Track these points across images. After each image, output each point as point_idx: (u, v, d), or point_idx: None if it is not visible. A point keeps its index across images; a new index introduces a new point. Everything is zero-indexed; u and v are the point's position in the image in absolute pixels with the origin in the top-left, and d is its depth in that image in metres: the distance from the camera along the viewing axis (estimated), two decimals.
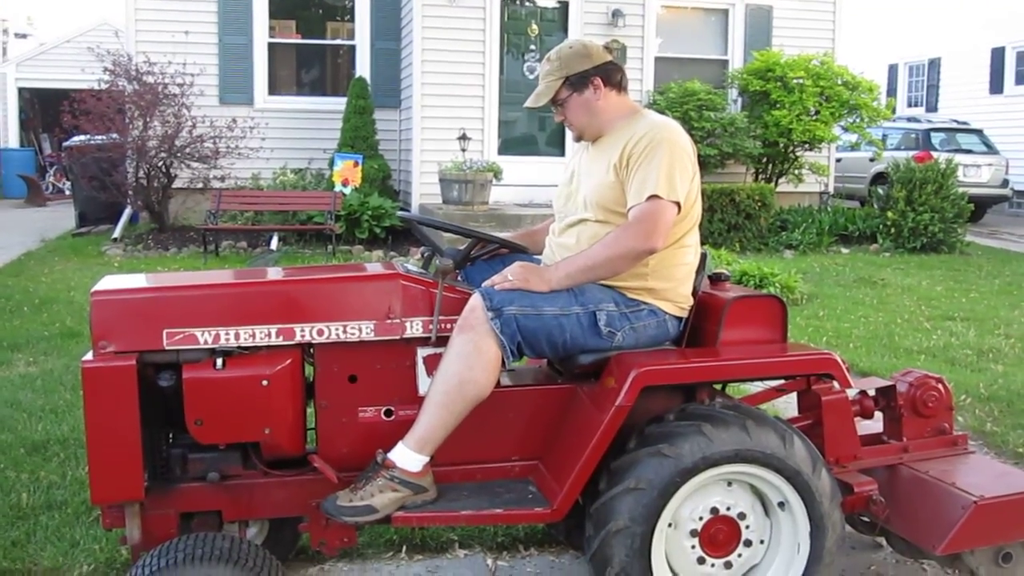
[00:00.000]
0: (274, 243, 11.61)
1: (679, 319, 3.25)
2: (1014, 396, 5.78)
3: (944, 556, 3.21)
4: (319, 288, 3.06)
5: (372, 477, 2.93)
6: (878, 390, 3.57)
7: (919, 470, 3.37)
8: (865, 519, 3.45)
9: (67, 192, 19.18)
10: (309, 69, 14.86)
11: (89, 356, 2.89)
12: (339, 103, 13.54)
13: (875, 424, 3.61)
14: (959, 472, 3.36)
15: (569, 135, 12.85)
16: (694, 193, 3.20)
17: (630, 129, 3.19)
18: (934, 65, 23.12)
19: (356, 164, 12.63)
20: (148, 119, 12.12)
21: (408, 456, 2.93)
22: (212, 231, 11.58)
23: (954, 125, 18.74)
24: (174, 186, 12.67)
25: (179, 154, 12.25)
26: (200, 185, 12.62)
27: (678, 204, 3.09)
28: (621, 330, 3.11)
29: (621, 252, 3.09)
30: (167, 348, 2.89)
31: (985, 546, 3.22)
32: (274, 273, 3.47)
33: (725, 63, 14.64)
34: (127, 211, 12.91)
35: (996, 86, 20.94)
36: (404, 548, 3.76)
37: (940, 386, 3.53)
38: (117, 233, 12.38)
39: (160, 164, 12.33)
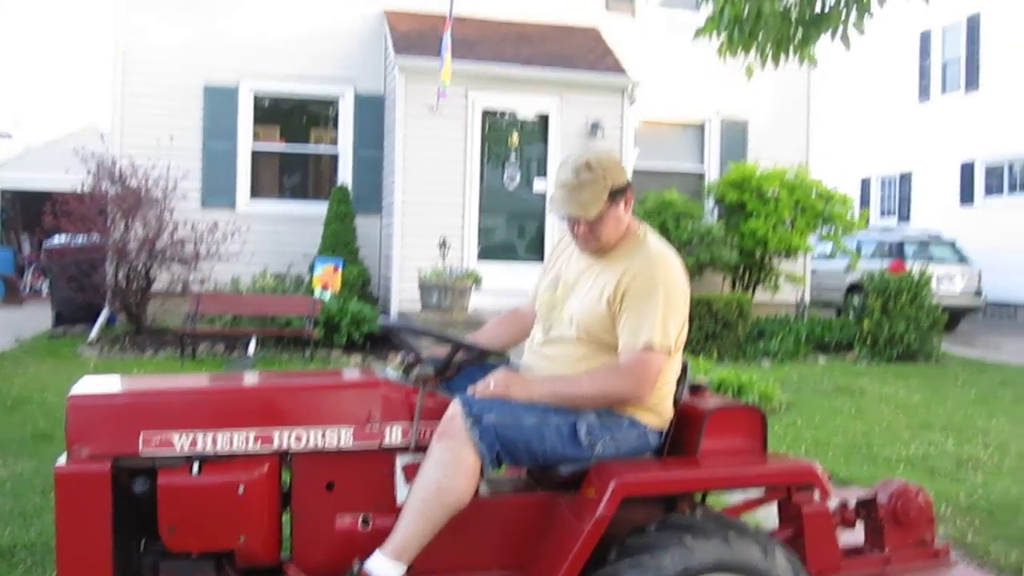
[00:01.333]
0: (251, 347, 11.56)
1: (660, 431, 3.24)
2: (995, 506, 5.76)
3: None
4: (298, 394, 3.05)
5: None
6: (859, 500, 3.55)
7: None
8: None
9: (44, 292, 19.10)
10: (292, 174, 15.02)
11: (63, 460, 2.85)
12: (321, 208, 13.66)
13: (856, 535, 3.59)
14: None
15: (549, 241, 12.91)
16: (683, 328, 3.22)
17: (628, 258, 3.19)
18: (905, 179, 23.60)
19: (336, 269, 12.67)
20: (130, 221, 12.18)
21: (385, 565, 2.88)
22: (190, 334, 11.53)
23: (926, 236, 19.03)
24: (153, 288, 12.65)
25: (159, 257, 12.27)
26: (179, 288, 12.61)
27: (670, 349, 3.12)
28: (601, 440, 3.10)
29: (609, 393, 3.12)
30: (143, 453, 2.86)
31: None
32: (253, 378, 3.45)
33: (702, 175, 14.94)
34: (104, 312, 12.86)
35: (967, 197, 21.35)
36: None
37: (920, 496, 3.52)
38: (94, 335, 12.31)
39: (140, 266, 12.34)
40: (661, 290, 3.11)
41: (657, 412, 3.21)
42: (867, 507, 3.53)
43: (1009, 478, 6.61)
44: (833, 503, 3.42)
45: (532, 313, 3.54)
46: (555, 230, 13.21)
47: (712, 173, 14.98)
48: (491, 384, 3.09)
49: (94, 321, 12.68)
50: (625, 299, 3.11)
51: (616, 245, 3.25)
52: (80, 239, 12.56)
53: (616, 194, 3.18)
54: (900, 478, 3.70)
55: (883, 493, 3.52)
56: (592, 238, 3.23)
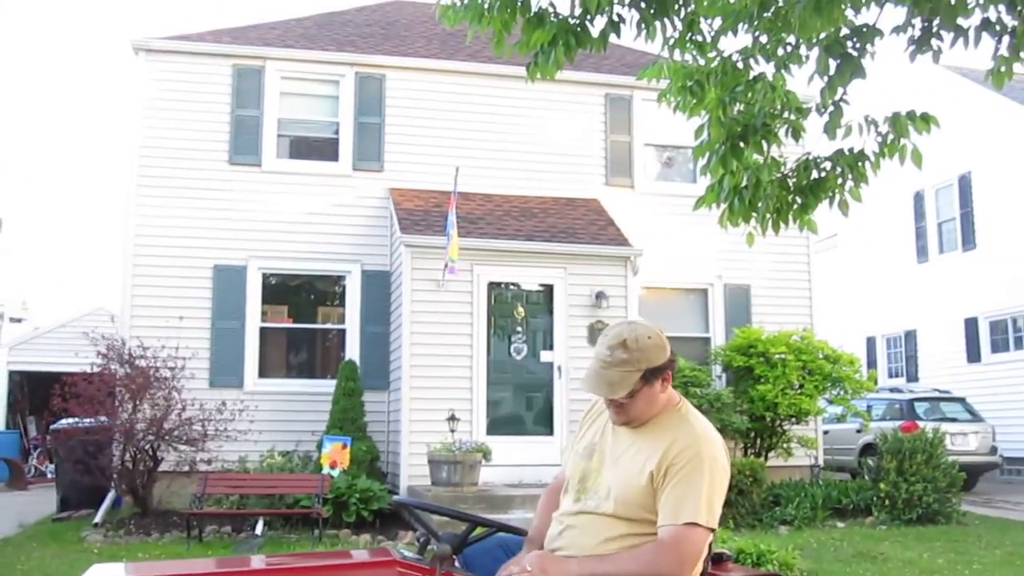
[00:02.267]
0: (259, 528, 11.36)
1: None
2: None
3: None
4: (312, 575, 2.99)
5: None
6: None
7: None
8: None
9: (49, 475, 18.93)
10: (299, 352, 15.10)
11: None
12: (328, 385, 13.68)
13: None
14: None
15: (564, 414, 12.90)
16: None
17: (671, 431, 3.14)
18: (910, 336, 23.70)
19: (344, 446, 12.59)
20: (138, 402, 12.19)
21: None
22: (196, 515, 11.35)
23: (937, 394, 18.97)
24: (160, 469, 12.55)
25: (167, 437, 12.21)
26: (186, 468, 12.50)
27: (714, 527, 3.05)
28: None
29: (650, 573, 2.99)
30: None
31: None
32: (263, 561, 3.38)
33: (707, 340, 15.02)
34: (110, 495, 12.72)
35: (973, 355, 21.39)
36: None
37: None
38: (99, 518, 12.12)
39: (147, 447, 12.27)
40: (707, 466, 3.06)
41: None
42: None
43: None
44: None
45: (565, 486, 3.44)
46: (564, 401, 13.19)
47: (718, 338, 15.06)
48: (526, 566, 2.99)
49: (99, 504, 12.52)
50: (669, 474, 3.04)
51: (656, 418, 3.21)
52: (87, 421, 12.53)
53: (652, 374, 3.14)
54: None
55: None
56: (622, 413, 3.19)
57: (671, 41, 5.19)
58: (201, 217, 14.11)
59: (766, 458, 13.64)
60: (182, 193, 14.11)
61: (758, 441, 13.88)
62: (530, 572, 2.97)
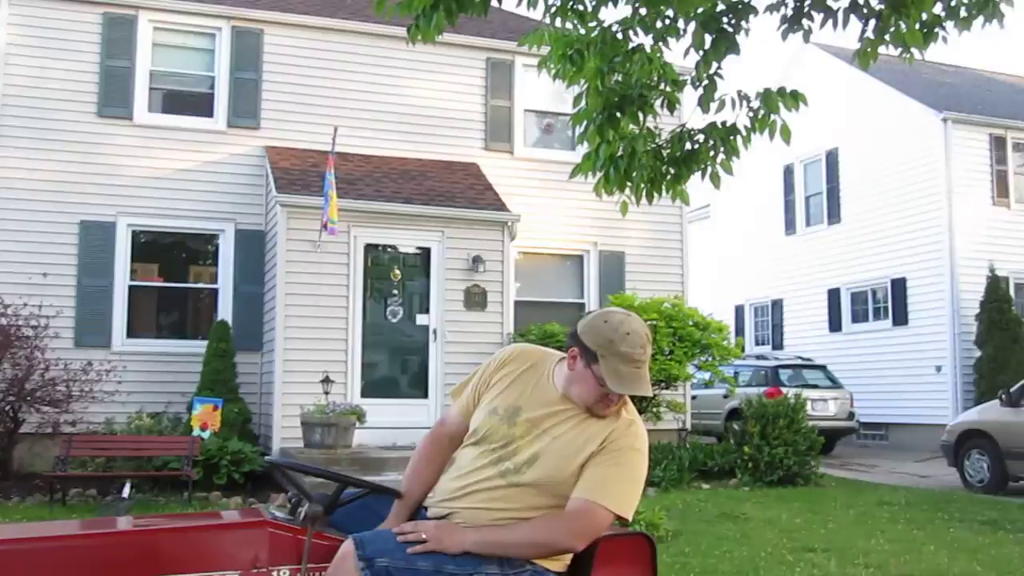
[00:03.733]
0: (126, 491, 11.11)
1: (560, 573, 3.17)
2: None
3: None
4: (181, 537, 2.96)
5: None
6: None
7: None
8: None
9: None
10: (170, 312, 14.76)
11: None
12: (200, 346, 13.42)
13: None
14: None
15: (439, 378, 12.88)
16: None
17: (612, 419, 3.13)
18: (777, 305, 24.49)
19: (215, 408, 12.39)
20: None
21: None
22: (60, 478, 11.05)
23: (800, 362, 19.70)
24: (21, 431, 12.15)
25: (29, 398, 11.83)
26: (49, 430, 12.14)
27: (619, 517, 3.06)
28: None
29: (547, 543, 3.03)
30: None
31: None
32: (130, 522, 3.34)
33: (582, 306, 15.24)
34: None
35: (835, 325, 22.25)
36: None
37: None
38: None
39: (7, 408, 11.85)
40: (637, 460, 3.09)
41: (560, 557, 3.15)
42: None
43: None
44: None
45: (454, 435, 3.37)
46: (440, 365, 13.24)
47: (592, 304, 15.30)
48: (422, 535, 2.95)
49: None
50: (601, 454, 3.05)
51: None
52: None
53: None
54: None
55: None
56: (615, 405, 3.14)
57: (553, 9, 5.24)
58: (67, 171, 13.61)
59: None
60: (47, 144, 13.57)
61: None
62: (426, 542, 2.95)
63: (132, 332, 13.87)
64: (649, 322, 13.27)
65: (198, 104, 14.67)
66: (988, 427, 13.26)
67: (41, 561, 2.80)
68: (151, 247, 14.47)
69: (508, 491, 3.11)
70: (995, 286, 18.45)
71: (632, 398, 3.28)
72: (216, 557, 2.90)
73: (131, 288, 13.95)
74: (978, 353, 18.49)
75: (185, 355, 13.60)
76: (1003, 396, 13.27)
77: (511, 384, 3.28)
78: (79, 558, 2.83)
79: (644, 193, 5.75)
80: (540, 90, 15.44)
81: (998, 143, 20.15)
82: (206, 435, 11.96)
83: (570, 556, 3.18)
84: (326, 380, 12.15)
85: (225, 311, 14.12)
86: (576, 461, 3.06)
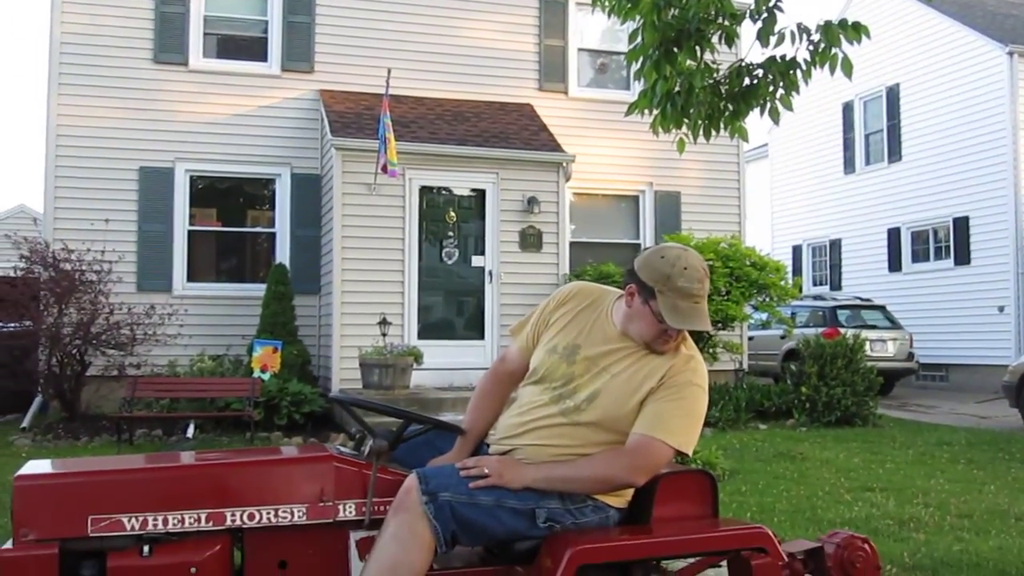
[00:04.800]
0: (190, 430, 11.38)
1: (621, 509, 3.22)
2: (938, 564, 5.84)
3: None
4: (251, 471, 3.02)
5: None
6: (806, 552, 3.59)
7: None
8: None
9: None
10: (229, 256, 14.94)
11: (8, 544, 2.79)
12: (259, 289, 13.59)
13: None
14: None
15: (495, 319, 12.91)
16: None
17: (672, 355, 3.15)
18: (835, 246, 24.17)
19: (275, 350, 12.57)
20: (64, 306, 12.00)
21: None
22: (126, 419, 11.31)
23: (858, 302, 19.47)
24: (88, 374, 12.44)
25: (94, 341, 12.09)
26: (115, 372, 12.41)
27: (679, 451, 3.07)
28: (562, 524, 3.05)
29: (606, 478, 3.06)
30: (91, 535, 2.80)
31: None
32: (200, 457, 3.41)
33: (637, 246, 15.17)
34: (37, 400, 12.60)
35: (895, 265, 21.93)
36: None
37: (867, 546, 3.56)
38: (26, 422, 12.03)
39: (74, 352, 12.13)
40: (697, 395, 3.11)
41: (622, 493, 3.19)
42: (815, 559, 3.56)
43: (950, 536, 6.71)
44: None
45: (514, 372, 3.42)
46: (495, 307, 13.28)
47: (648, 244, 15.20)
48: (485, 470, 3.00)
49: (26, 409, 12.40)
50: (661, 387, 3.07)
51: None
52: (11, 326, 12.32)
53: None
54: (846, 530, 3.73)
55: (829, 544, 3.56)
56: (674, 341, 3.15)
57: None
58: (125, 117, 13.76)
59: None
60: (105, 92, 13.72)
61: None
62: (489, 476, 2.99)
63: (192, 276, 14.08)
64: (706, 262, 13.20)
65: (252, 48, 14.71)
66: None
67: (116, 492, 2.88)
68: (209, 192, 14.62)
69: (569, 428, 3.13)
70: None
71: (690, 337, 3.28)
72: (283, 490, 2.96)
73: (190, 233, 14.13)
74: None
75: (244, 299, 13.79)
76: None
77: (570, 322, 3.30)
78: (149, 490, 2.91)
79: (702, 130, 5.67)
80: (594, 28, 15.27)
81: None
82: (266, 376, 12.15)
83: (631, 492, 3.21)
84: (383, 322, 12.26)
85: (283, 255, 14.27)
86: (636, 398, 3.08)
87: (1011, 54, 19.08)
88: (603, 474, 3.06)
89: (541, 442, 3.15)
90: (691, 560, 3.55)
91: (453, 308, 13.81)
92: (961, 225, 20.05)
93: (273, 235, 14.54)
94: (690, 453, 3.13)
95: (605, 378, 3.14)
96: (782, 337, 17.14)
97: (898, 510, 7.54)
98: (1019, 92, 19.03)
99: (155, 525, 2.84)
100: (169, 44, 14.10)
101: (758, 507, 7.59)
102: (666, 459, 3.08)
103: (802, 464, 9.88)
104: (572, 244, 14.53)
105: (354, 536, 3.03)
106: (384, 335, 12.16)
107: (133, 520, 2.83)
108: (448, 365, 12.73)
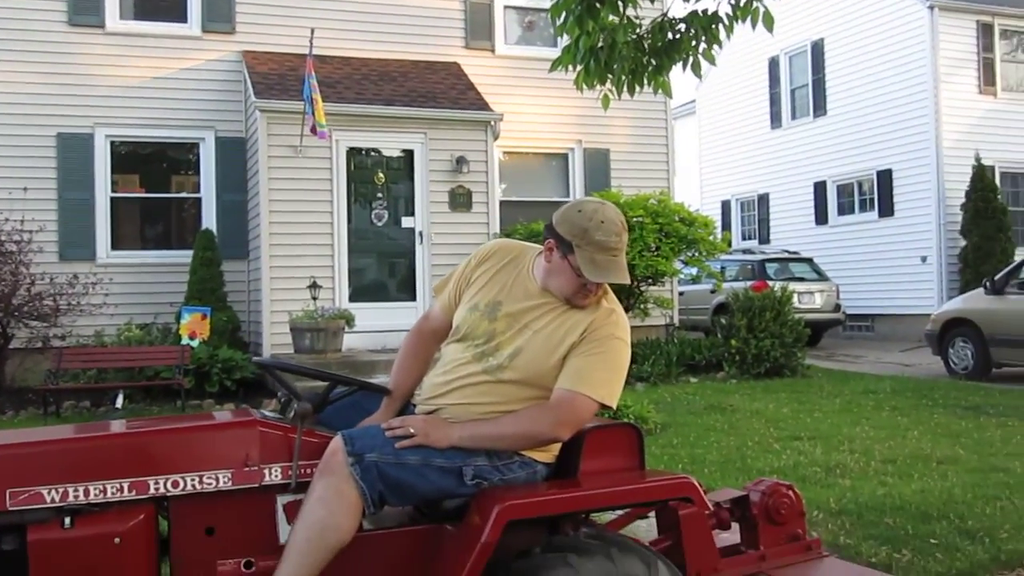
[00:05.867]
0: (119, 401, 11.21)
1: (549, 464, 3.23)
2: (863, 508, 5.99)
3: None
4: (173, 438, 2.98)
5: None
6: (732, 501, 3.66)
7: None
8: None
9: None
10: (154, 223, 14.66)
11: None
12: (185, 256, 13.37)
13: (733, 535, 3.70)
14: None
15: (427, 280, 12.79)
16: None
17: (593, 309, 3.14)
18: (763, 200, 24.46)
19: (204, 317, 12.41)
20: None
21: None
22: (53, 391, 11.11)
23: (786, 255, 19.77)
24: (10, 347, 12.17)
25: (16, 313, 11.82)
26: (39, 345, 12.18)
27: (603, 405, 3.08)
28: (489, 481, 3.06)
29: (532, 434, 3.06)
30: (11, 509, 2.74)
31: None
32: (124, 425, 3.36)
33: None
34: None
35: (821, 218, 22.27)
36: None
37: (791, 493, 3.64)
38: None
39: None
40: (619, 348, 3.10)
41: (550, 448, 3.20)
42: (741, 507, 3.64)
43: (875, 481, 6.88)
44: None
45: (437, 330, 3.43)
46: (426, 267, 13.24)
47: None
48: (409, 429, 2.99)
49: None
50: (583, 344, 3.06)
51: None
52: None
53: None
54: (771, 478, 3.81)
55: (755, 492, 3.64)
56: (593, 295, 3.13)
57: None
58: (41, 82, 13.36)
59: None
60: (18, 56, 13.30)
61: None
62: (415, 436, 2.99)
63: (116, 244, 13.79)
64: (635, 219, 13.30)
65: (171, 9, 14.35)
66: (972, 315, 13.39)
67: (35, 464, 2.82)
68: (131, 158, 14.31)
69: (493, 386, 3.13)
70: (981, 175, 18.42)
71: (618, 294, 3.30)
72: (208, 456, 2.92)
73: (113, 200, 13.82)
74: (963, 243, 18.56)
75: (171, 265, 13.56)
76: (987, 284, 13.36)
77: (491, 280, 3.29)
78: (72, 461, 2.85)
79: (625, 85, 5.68)
80: None
81: (985, 30, 19.94)
82: (196, 344, 12.00)
83: (558, 447, 3.23)
84: (313, 286, 12.16)
85: (209, 220, 14.04)
86: (558, 353, 3.08)
87: (932, 8, 19.37)
88: (528, 430, 3.07)
89: (466, 400, 3.15)
90: (620, 512, 3.60)
91: (384, 270, 13.74)
92: (885, 178, 20.40)
93: (199, 200, 14.29)
94: (613, 406, 3.15)
95: (527, 335, 3.14)
96: (712, 291, 17.35)
97: (825, 457, 7.71)
98: (940, 46, 19.34)
99: (76, 496, 2.78)
100: (84, 6, 13.70)
101: (689, 459, 7.71)
102: (590, 413, 3.10)
103: (732, 416, 10.04)
104: (502, 203, 14.52)
105: (281, 500, 3.01)
106: (315, 299, 12.07)
107: (53, 492, 2.77)
108: (380, 327, 12.67)
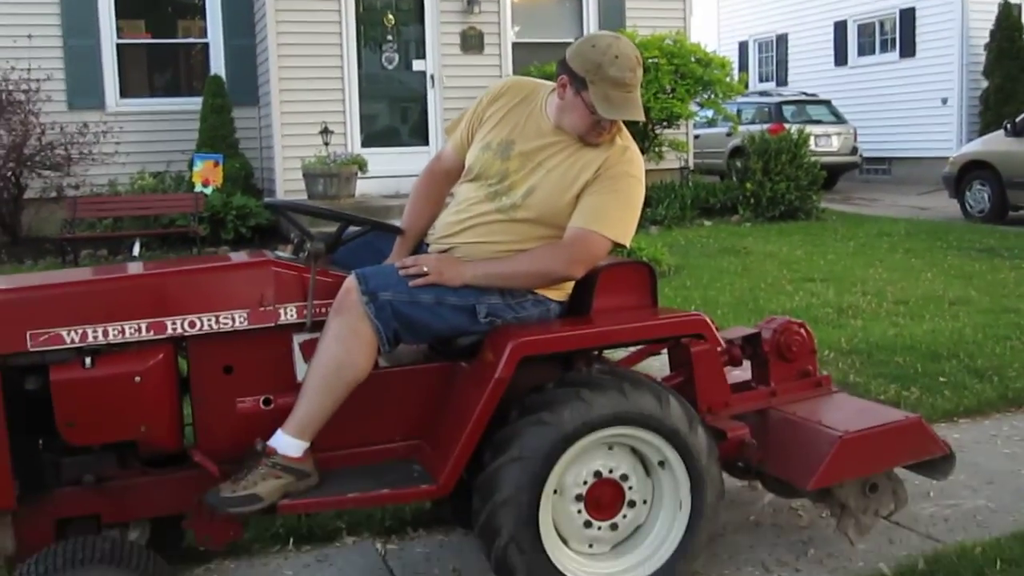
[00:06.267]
0: (136, 249, 11.28)
1: (562, 303, 3.24)
2: (873, 348, 6.06)
3: (815, 492, 3.36)
4: (189, 279, 3.01)
5: (253, 466, 2.87)
6: (744, 338, 3.69)
7: (787, 412, 3.52)
8: (740, 464, 3.58)
9: None
10: (162, 70, 14.45)
11: None
12: (195, 103, 13.20)
13: (744, 372, 3.75)
14: (824, 411, 3.52)
15: (439, 125, 12.65)
16: None
17: (608, 146, 3.10)
18: (782, 40, 23.90)
19: (216, 164, 12.35)
20: None
21: (288, 442, 2.89)
22: (70, 241, 11.18)
23: (803, 97, 19.43)
24: (25, 197, 12.18)
25: (28, 163, 11.78)
26: (53, 194, 12.16)
27: (617, 243, 3.07)
28: (503, 319, 3.08)
29: (544, 272, 3.08)
30: (32, 350, 2.78)
31: (853, 479, 3.37)
32: (140, 267, 3.38)
33: None
34: None
35: (840, 58, 21.78)
36: (291, 540, 3.72)
37: (803, 330, 3.67)
38: None
39: (9, 174, 11.82)
40: (632, 185, 3.07)
41: (562, 286, 3.21)
42: (752, 344, 3.67)
43: (886, 321, 6.95)
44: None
45: (449, 170, 3.41)
46: (439, 111, 13.09)
47: None
48: (424, 268, 3.00)
49: None
50: (597, 179, 3.03)
51: None
52: None
53: None
54: (783, 316, 3.84)
55: (767, 330, 3.67)
56: (608, 132, 3.09)
57: None
58: None
59: None
60: None
61: None
62: (427, 274, 3.00)
63: (125, 92, 13.61)
64: (650, 60, 13.04)
65: None
66: (991, 157, 13.23)
67: (53, 306, 2.85)
68: (135, 3, 13.96)
69: (506, 225, 3.13)
70: (1007, 13, 17.87)
71: (633, 135, 3.25)
72: (224, 297, 2.95)
73: (119, 47, 13.56)
74: (985, 84, 18.17)
75: (181, 112, 13.41)
76: (1007, 126, 13.16)
77: (504, 118, 3.25)
78: (91, 302, 2.88)
79: None
80: None
81: None
82: (209, 191, 11.98)
83: (571, 285, 3.25)
84: (325, 131, 12.06)
85: (217, 66, 13.81)
86: (572, 192, 3.06)
87: None
88: (541, 268, 3.08)
89: (479, 239, 3.15)
90: (632, 350, 3.64)
91: (396, 115, 13.60)
92: (907, 16, 19.84)
93: (206, 46, 14.02)
94: (627, 244, 3.15)
95: (540, 173, 3.11)
96: (728, 134, 17.14)
97: (837, 299, 7.76)
98: None
99: (95, 337, 2.82)
100: None
101: (702, 300, 7.77)
102: (604, 251, 3.10)
103: (746, 258, 10.07)
104: (514, 45, 14.18)
105: (297, 339, 3.05)
106: (326, 144, 11.99)
107: (72, 333, 2.81)
108: (393, 172, 12.58)
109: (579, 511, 3.06)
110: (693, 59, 13.63)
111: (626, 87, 3.00)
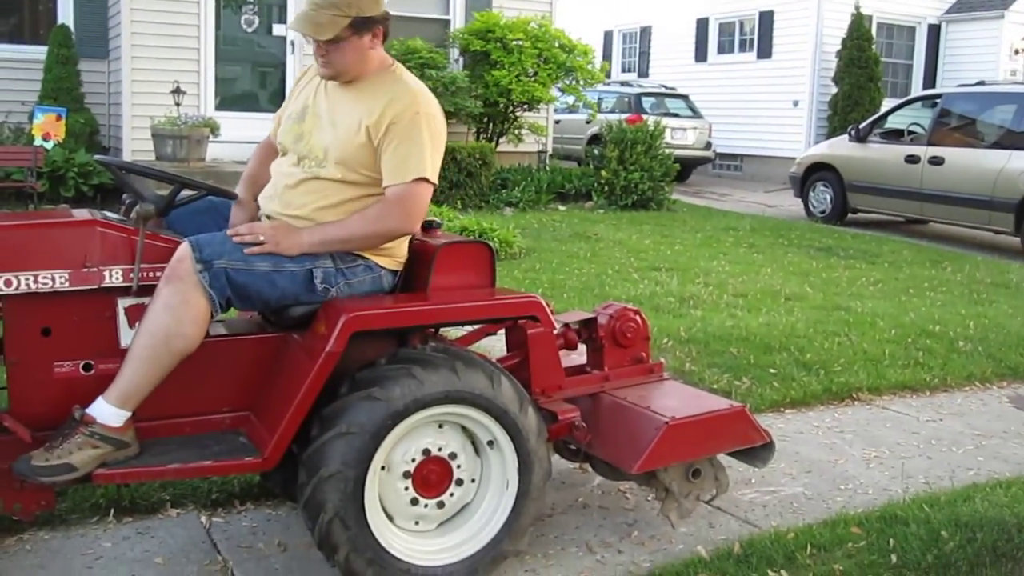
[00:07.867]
0: None
1: (395, 272, 3.26)
2: (710, 338, 6.24)
3: (641, 475, 3.45)
4: (6, 235, 2.85)
5: (69, 435, 2.77)
6: (581, 322, 3.76)
7: (618, 396, 3.60)
8: (571, 446, 3.65)
9: None
10: (5, 15, 13.70)
11: None
12: (40, 52, 12.57)
13: (580, 356, 3.81)
14: (654, 397, 3.62)
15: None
16: None
17: (388, 90, 3.12)
18: (646, 33, 24.30)
19: (59, 118, 11.74)
20: None
21: (108, 411, 2.79)
22: None
23: (663, 90, 19.81)
24: None
25: None
26: None
27: (435, 182, 3.12)
28: (336, 286, 3.08)
29: (381, 231, 3.10)
30: None
31: (677, 463, 3.47)
32: None
33: (447, 23, 14.77)
34: None
35: (701, 55, 22.27)
36: (112, 511, 3.60)
37: (638, 317, 3.76)
38: None
39: None
40: (426, 123, 3.08)
41: (392, 254, 3.23)
42: (588, 329, 3.74)
43: (725, 313, 7.16)
44: (557, 328, 3.59)
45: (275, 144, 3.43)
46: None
47: (457, 22, 14.82)
48: (260, 236, 2.98)
49: None
50: (389, 132, 3.05)
51: (371, 78, 3.16)
52: None
53: (362, 24, 3.07)
54: (619, 302, 3.92)
55: (603, 315, 3.74)
56: (329, 64, 3.12)
57: None
58: None
59: (497, 143, 13.97)
60: None
61: (490, 126, 14.11)
62: (264, 243, 2.96)
63: None
64: (515, 42, 13.08)
65: None
66: (834, 160, 13.76)
67: None
68: None
69: (315, 183, 3.14)
70: (859, 24, 18.55)
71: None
72: (43, 255, 2.82)
73: None
74: (835, 90, 18.87)
75: (23, 61, 12.75)
76: (852, 132, 13.70)
77: (303, 91, 3.35)
78: None
79: None
80: None
81: None
82: (50, 146, 11.40)
83: (403, 253, 3.29)
84: (177, 91, 11.67)
85: (65, 15, 13.16)
86: (360, 137, 3.09)
87: None
88: (379, 228, 3.10)
89: (298, 204, 3.15)
90: (470, 329, 3.65)
91: (255, 79, 13.27)
92: (766, 19, 20.41)
93: None
94: (436, 178, 3.15)
95: (333, 128, 3.16)
96: (587, 122, 17.34)
97: (680, 288, 7.96)
98: None
99: None
100: None
101: (550, 284, 7.85)
102: (428, 194, 3.13)
103: (596, 244, 10.22)
104: None
105: (123, 303, 2.94)
106: (178, 105, 11.61)
107: None
108: (248, 138, 12.16)
109: (406, 488, 3.06)
110: (557, 44, 13.73)
111: (312, 4, 3.07)
